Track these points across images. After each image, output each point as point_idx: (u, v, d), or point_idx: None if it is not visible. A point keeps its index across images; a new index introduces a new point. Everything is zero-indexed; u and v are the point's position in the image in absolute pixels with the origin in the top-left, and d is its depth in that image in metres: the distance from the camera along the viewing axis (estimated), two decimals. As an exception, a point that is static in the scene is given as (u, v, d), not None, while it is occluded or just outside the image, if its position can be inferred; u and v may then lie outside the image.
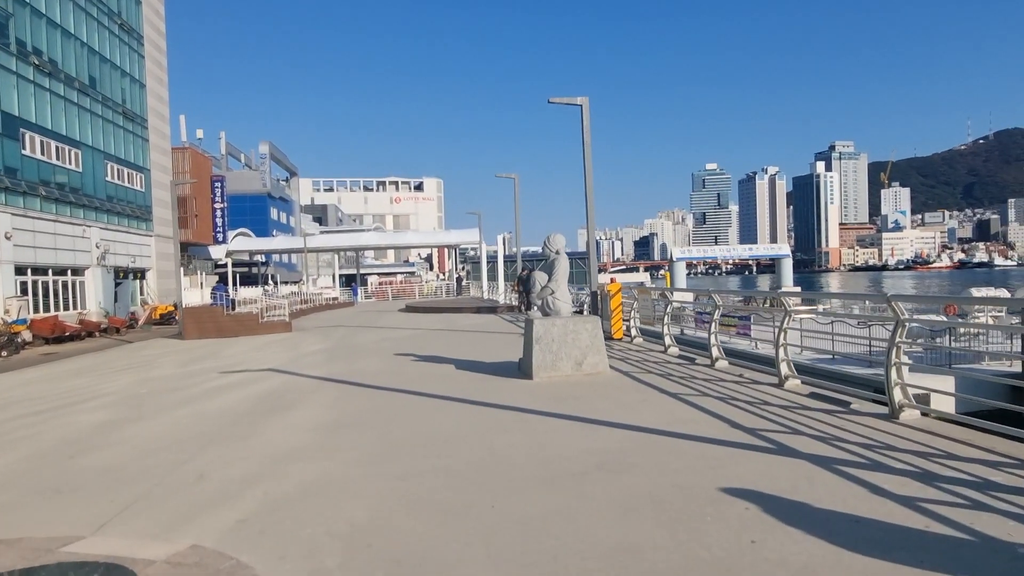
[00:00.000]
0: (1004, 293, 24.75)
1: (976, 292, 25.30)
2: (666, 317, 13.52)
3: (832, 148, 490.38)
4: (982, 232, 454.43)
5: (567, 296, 11.23)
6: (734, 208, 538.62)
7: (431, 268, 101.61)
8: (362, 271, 76.18)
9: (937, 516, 4.05)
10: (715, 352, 10.91)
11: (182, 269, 35.52)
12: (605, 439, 6.41)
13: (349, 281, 64.57)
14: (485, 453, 6.13)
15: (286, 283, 59.22)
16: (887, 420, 6.56)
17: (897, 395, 6.59)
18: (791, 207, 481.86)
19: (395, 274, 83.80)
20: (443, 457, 6.07)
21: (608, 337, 14.86)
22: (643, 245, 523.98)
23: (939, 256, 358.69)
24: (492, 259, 58.07)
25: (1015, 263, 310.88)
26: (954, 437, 5.82)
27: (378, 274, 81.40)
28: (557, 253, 11.13)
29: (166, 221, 40.33)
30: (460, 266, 74.12)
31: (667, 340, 13.28)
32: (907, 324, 6.63)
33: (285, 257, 77.65)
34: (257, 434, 7.53)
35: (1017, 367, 18.22)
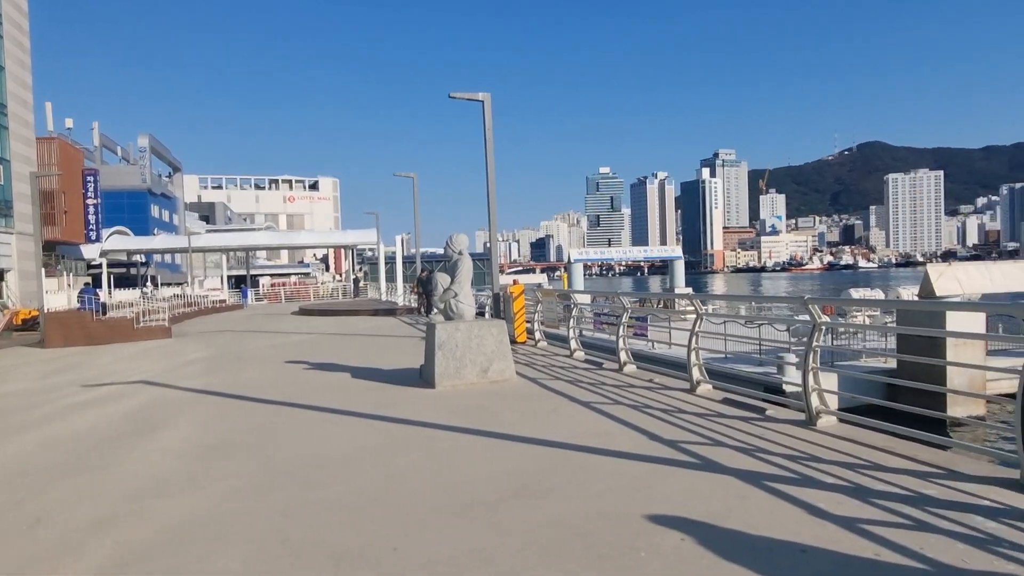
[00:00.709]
0: (879, 293, 26.26)
1: (855, 292, 26.69)
2: (571, 320, 13.17)
3: (716, 155, 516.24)
4: (847, 236, 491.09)
5: (471, 299, 10.66)
6: (626, 211, 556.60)
7: (327, 269, 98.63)
8: (253, 272, 72.80)
9: (884, 541, 3.73)
10: (623, 356, 10.62)
11: (45, 270, 32.36)
12: (518, 458, 5.86)
13: (239, 283, 61.42)
14: (385, 479, 5.43)
15: (169, 285, 55.65)
16: (805, 427, 6.36)
17: (814, 401, 6.41)
18: (679, 211, 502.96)
19: (289, 275, 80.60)
20: (335, 485, 5.32)
21: (512, 341, 14.40)
22: (539, 247, 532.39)
23: (811, 259, 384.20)
24: (391, 260, 56.92)
25: (876, 265, 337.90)
26: (874, 444, 5.65)
27: (271, 275, 78.00)
28: (460, 254, 10.52)
29: (30, 217, 36.65)
30: (358, 267, 72.05)
31: (573, 344, 12.94)
32: (824, 328, 6.47)
33: (168, 257, 73.02)
34: (116, 463, 6.48)
35: (892, 363, 19.32)
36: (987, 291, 22.55)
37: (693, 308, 8.70)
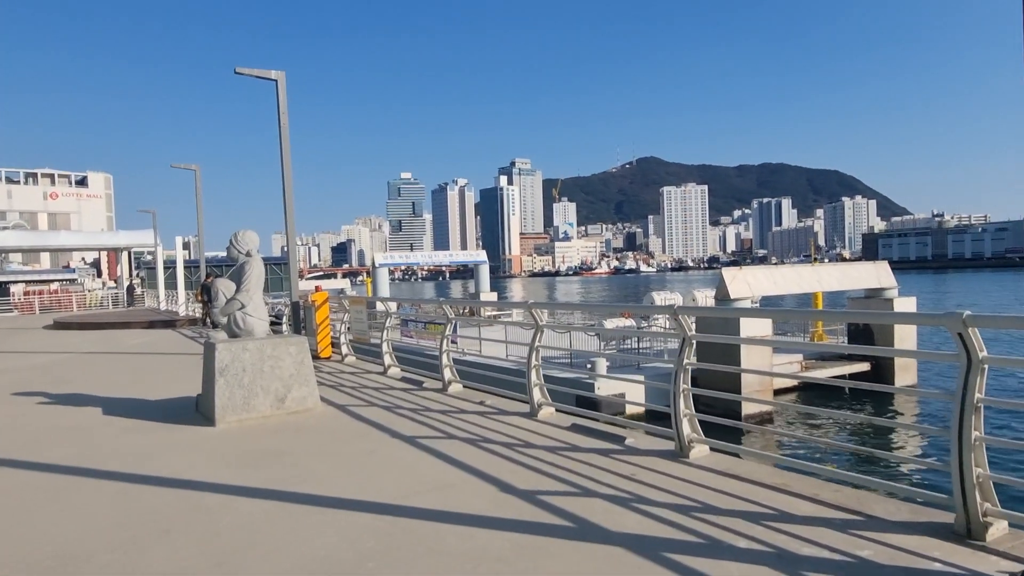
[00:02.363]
0: (678, 297, 27.49)
1: (657, 297, 27.70)
2: (386, 332, 11.55)
3: (513, 164, 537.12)
4: (630, 243, 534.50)
5: (262, 310, 8.70)
6: (428, 216, 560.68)
7: (99, 275, 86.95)
8: (3, 279, 61.91)
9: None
10: (448, 374, 9.26)
11: None
12: (330, 536, 4.24)
13: (-18, 291, 51.76)
14: (124, 596, 3.58)
15: None
16: (677, 460, 5.41)
17: (685, 429, 5.49)
18: (479, 217, 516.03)
19: (50, 282, 69.64)
20: (38, 618, 3.39)
21: (314, 356, 12.50)
22: (340, 251, 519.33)
23: (600, 263, 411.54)
24: (172, 265, 51.16)
25: (655, 270, 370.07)
26: (762, 481, 4.80)
27: (27, 282, 66.85)
28: (248, 255, 8.54)
29: None
30: (135, 273, 64.03)
31: (387, 359, 11.35)
32: (694, 342, 5.58)
33: None
34: None
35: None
36: (771, 293, 24.29)
37: (533, 320, 7.55)
